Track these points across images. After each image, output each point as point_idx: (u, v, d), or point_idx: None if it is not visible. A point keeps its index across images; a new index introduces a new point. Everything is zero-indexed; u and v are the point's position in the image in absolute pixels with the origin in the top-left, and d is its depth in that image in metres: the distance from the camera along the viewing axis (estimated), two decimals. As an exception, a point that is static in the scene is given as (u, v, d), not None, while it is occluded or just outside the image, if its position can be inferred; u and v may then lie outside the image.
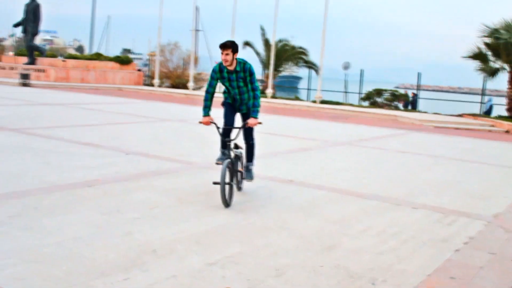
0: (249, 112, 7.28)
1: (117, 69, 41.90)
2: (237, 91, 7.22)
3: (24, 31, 39.72)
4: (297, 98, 34.79)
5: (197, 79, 39.79)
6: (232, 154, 7.28)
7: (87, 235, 5.49)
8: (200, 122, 7.12)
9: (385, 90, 31.89)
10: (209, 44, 79.54)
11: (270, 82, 33.87)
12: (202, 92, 35.27)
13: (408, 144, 14.96)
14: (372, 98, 31.58)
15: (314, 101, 30.73)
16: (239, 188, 7.79)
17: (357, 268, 5.03)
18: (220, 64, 7.04)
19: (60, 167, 8.73)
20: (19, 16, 40.21)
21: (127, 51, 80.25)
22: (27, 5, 39.43)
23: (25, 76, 32.31)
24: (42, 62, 39.69)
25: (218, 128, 7.12)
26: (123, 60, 43.62)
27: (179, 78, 40.25)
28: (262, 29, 39.77)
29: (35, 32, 39.84)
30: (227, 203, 6.82)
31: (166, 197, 7.23)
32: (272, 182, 8.63)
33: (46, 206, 6.44)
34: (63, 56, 49.56)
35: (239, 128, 7.20)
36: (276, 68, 36.71)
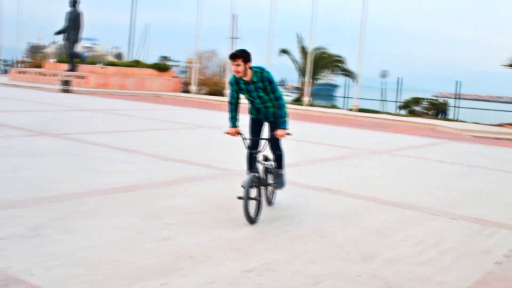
0: (277, 121, 6.80)
1: (155, 76, 42.41)
2: (259, 101, 6.72)
3: (66, 39, 40.54)
4: (333, 106, 34.69)
5: (234, 86, 39.91)
6: (261, 167, 6.96)
7: (126, 239, 5.56)
8: (227, 133, 6.70)
9: (423, 99, 31.54)
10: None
11: (307, 90, 33.83)
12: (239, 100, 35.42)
13: (446, 154, 14.74)
14: (410, 106, 31.29)
15: (351, 109, 30.56)
16: (270, 203, 7.36)
17: (395, 278, 4.96)
18: (235, 76, 6.53)
19: (99, 172, 8.86)
20: (61, 24, 41.07)
21: (165, 58, 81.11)
22: (69, 14, 40.25)
23: (66, 83, 32.94)
24: (82, 69, 40.44)
25: (244, 139, 6.73)
26: (161, 67, 44.13)
27: (216, 85, 40.51)
28: (299, 36, 39.87)
29: (76, 40, 40.64)
30: (251, 220, 6.34)
31: (203, 203, 7.26)
32: (309, 190, 8.60)
33: (86, 211, 6.54)
34: (102, 63, 50.36)
35: (266, 139, 6.78)
36: (313, 76, 36.62)
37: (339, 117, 27.28)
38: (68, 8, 40.88)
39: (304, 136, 16.36)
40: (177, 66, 73.21)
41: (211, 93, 39.32)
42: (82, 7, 41.33)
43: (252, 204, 6.44)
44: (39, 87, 35.31)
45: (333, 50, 40.84)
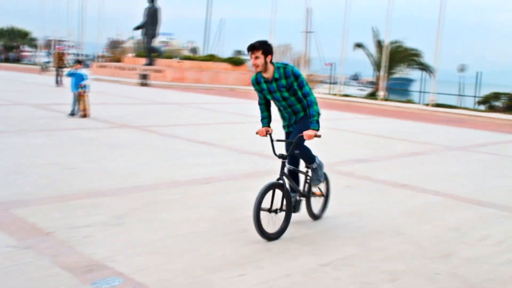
0: (308, 120, 5.80)
1: (229, 70, 42.90)
2: (284, 104, 5.87)
3: (144, 34, 41.63)
4: (409, 101, 34.01)
5: (308, 80, 39.84)
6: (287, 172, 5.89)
7: (203, 230, 5.69)
8: (257, 133, 5.98)
9: (504, 94, 30.42)
10: (321, 45, 79.38)
11: (382, 84, 33.32)
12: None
13: (529, 151, 14.20)
14: (490, 102, 30.26)
15: (427, 104, 29.89)
16: (314, 216, 6.35)
17: (476, 278, 4.85)
18: (257, 75, 5.77)
19: (177, 164, 9.10)
20: (139, 20, 42.19)
21: (239, 52, 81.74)
22: (147, 9, 41.28)
23: (144, 77, 33.86)
24: (159, 63, 41.43)
25: (272, 141, 5.90)
26: (236, 61, 44.60)
27: (290, 79, 40.41)
28: (374, 30, 39.31)
29: (154, 35, 41.69)
30: (265, 235, 5.43)
31: (279, 197, 7.33)
32: (385, 186, 8.51)
33: (165, 201, 6.74)
34: (178, 57, 51.40)
35: (293, 142, 5.76)
36: (388, 70, 36.03)
37: (415, 112, 26.74)
38: (146, 4, 41.93)
39: (379, 131, 16.16)
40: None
41: (284, 87, 39.24)
42: (159, 2, 42.28)
43: (274, 216, 5.68)
44: (118, 80, 36.46)
45: (409, 43, 40.09)
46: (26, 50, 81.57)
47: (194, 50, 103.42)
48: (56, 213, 5.95)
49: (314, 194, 6.31)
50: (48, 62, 52.55)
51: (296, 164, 6.17)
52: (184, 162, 9.28)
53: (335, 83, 41.15)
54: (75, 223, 5.64)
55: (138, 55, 47.21)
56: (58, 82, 28.78)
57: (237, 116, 18.71)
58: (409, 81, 73.66)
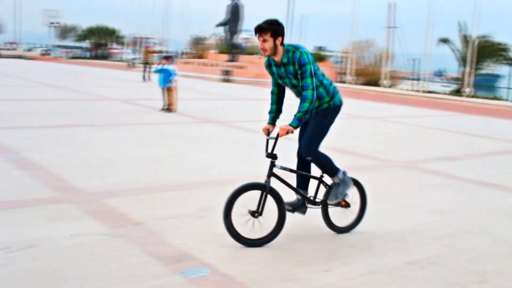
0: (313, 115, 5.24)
1: (310, 66, 42.73)
2: (295, 91, 5.29)
3: (228, 30, 42.19)
4: (497, 98, 32.75)
5: (391, 76, 39.17)
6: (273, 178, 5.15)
7: (288, 224, 5.69)
8: (262, 130, 5.40)
9: None
10: (404, 41, 77.86)
11: (468, 80, 32.27)
12: (396, 90, 34.70)
13: None
14: None
15: (517, 101, 28.69)
16: (336, 228, 5.57)
17: None
18: (269, 57, 5.22)
19: (261, 160, 9.18)
20: (221, 16, 42.78)
21: (320, 48, 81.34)
22: (230, 6, 41.79)
23: (226, 73, 34.40)
24: (242, 59, 41.84)
25: (268, 139, 5.25)
26: (318, 57, 44.40)
27: (372, 75, 39.95)
28: (461, 24, 38.06)
29: (236, 31, 42.18)
30: (241, 240, 4.98)
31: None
32: (471, 185, 8.26)
33: (249, 195, 6.83)
34: (260, 53, 51.75)
35: (273, 138, 5.17)
36: (475, 66, 34.84)
37: (503, 109, 25.73)
38: (229, 1, 42.45)
39: (465, 129, 15.69)
40: (332, 56, 73.11)
41: (367, 83, 38.84)
42: (241, -1, 42.70)
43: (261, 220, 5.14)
44: (201, 76, 37.18)
45: (497, 38, 38.58)
46: (114, 48, 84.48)
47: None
48: (144, 204, 6.17)
49: (334, 204, 5.51)
50: (134, 58, 54.21)
51: (306, 168, 5.53)
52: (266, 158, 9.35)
53: (418, 79, 40.21)
54: (163, 214, 5.83)
55: (221, 52, 47.93)
56: (145, 78, 29.85)
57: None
58: (496, 77, 70.93)
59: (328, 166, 5.33)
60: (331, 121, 5.31)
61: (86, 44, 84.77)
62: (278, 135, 4.99)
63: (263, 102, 20.96)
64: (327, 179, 5.51)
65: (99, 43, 79.99)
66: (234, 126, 13.30)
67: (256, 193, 5.07)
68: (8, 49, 77.65)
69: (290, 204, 5.38)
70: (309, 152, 5.22)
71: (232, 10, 41.77)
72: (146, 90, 24.14)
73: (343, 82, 39.60)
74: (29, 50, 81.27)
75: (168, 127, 12.39)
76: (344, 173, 5.42)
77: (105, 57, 76.70)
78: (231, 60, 41.05)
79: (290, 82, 5.17)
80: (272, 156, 5.11)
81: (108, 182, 7.08)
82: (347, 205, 5.62)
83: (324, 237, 5.40)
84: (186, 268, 4.41)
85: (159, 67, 15.89)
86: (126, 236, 5.08)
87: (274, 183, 5.12)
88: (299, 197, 5.42)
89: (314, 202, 5.43)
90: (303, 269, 4.55)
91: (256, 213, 5.04)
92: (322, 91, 5.15)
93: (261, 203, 5.05)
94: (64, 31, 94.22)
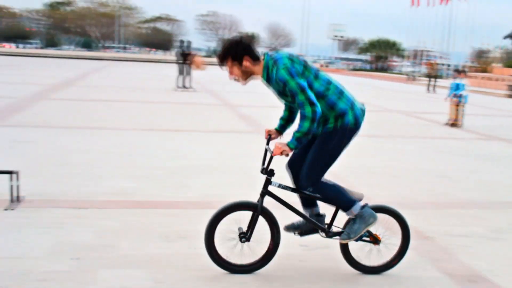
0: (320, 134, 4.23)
1: None
2: (293, 108, 4.44)
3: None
4: None
5: None
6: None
7: None
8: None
9: None
10: None
11: None
12: None
13: None
14: None
15: None
16: (359, 267, 4.52)
17: None
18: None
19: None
20: (508, 28, 40.08)
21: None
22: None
23: (513, 88, 32.15)
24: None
25: (266, 149, 4.39)
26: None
27: None
28: None
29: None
30: (223, 265, 4.33)
31: None
32: None
33: None
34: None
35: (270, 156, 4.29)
36: None
37: None
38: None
39: None
40: None
41: None
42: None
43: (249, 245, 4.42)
44: (484, 91, 35.32)
45: None
46: (394, 60, 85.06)
47: None
48: (433, 219, 6.11)
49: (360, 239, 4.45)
50: (414, 71, 53.78)
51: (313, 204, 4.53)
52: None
53: None
54: (452, 231, 5.70)
55: (507, 65, 44.99)
56: (429, 90, 30.15)
57: None
58: None
59: (337, 201, 4.31)
60: (339, 147, 4.19)
61: (366, 56, 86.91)
62: (270, 158, 4.26)
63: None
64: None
65: (379, 55, 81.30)
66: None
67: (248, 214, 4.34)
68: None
69: (296, 226, 4.53)
70: (309, 183, 4.20)
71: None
72: (428, 103, 23.80)
73: None
74: (314, 61, 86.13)
75: (451, 142, 12.04)
76: (364, 206, 4.34)
77: (384, 69, 77.68)
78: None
79: (285, 100, 4.27)
80: (267, 172, 4.27)
81: (394, 194, 7.16)
82: (375, 241, 4.53)
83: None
84: (479, 290, 4.27)
85: (455, 81, 15.56)
86: (417, 249, 5.08)
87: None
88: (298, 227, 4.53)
89: (326, 232, 4.43)
90: None
91: (244, 237, 4.30)
92: (324, 108, 4.11)
93: (251, 226, 4.30)
94: (346, 44, 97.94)
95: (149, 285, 4.05)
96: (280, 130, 4.48)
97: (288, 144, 4.00)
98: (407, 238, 4.52)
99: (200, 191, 6.75)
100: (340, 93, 4.12)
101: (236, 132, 11.90)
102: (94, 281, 4.06)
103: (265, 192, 4.27)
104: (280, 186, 4.28)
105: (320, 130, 4.16)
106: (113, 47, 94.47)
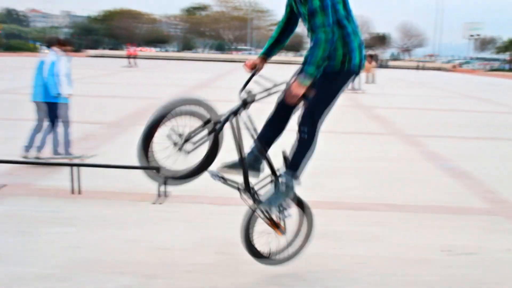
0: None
1: None
2: (307, 27, 3.69)
3: None
4: None
5: None
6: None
7: None
8: (244, 65, 3.96)
9: None
10: None
11: None
12: None
13: None
14: None
15: None
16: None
17: None
18: None
19: None
20: None
21: None
22: None
23: None
24: None
25: (251, 76, 3.87)
26: None
27: None
28: None
29: None
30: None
31: None
32: None
33: None
34: None
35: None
36: None
37: None
38: None
39: None
40: None
41: None
42: None
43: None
44: None
45: None
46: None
47: None
48: None
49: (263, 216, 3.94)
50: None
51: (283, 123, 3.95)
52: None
53: None
54: None
55: None
56: None
57: None
58: None
59: (302, 157, 3.76)
60: (341, 90, 3.74)
61: (505, 56, 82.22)
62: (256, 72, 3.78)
63: None
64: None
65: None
66: None
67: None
68: (427, 61, 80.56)
69: (232, 165, 3.90)
70: (310, 122, 3.69)
71: None
72: None
73: None
74: (448, 62, 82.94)
75: None
76: (298, 181, 3.82)
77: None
78: None
79: (304, 15, 3.67)
80: (248, 100, 3.71)
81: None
82: (277, 226, 4.01)
83: None
84: None
85: None
86: None
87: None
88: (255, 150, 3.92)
89: (248, 188, 3.86)
90: None
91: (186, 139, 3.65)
92: (338, 41, 3.61)
93: (195, 132, 3.67)
94: (483, 43, 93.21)
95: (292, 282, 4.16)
96: (266, 53, 4.00)
97: (298, 81, 3.53)
98: (308, 237, 4.24)
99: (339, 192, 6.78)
100: (355, 30, 3.67)
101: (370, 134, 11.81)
102: (236, 275, 4.23)
103: (234, 112, 3.73)
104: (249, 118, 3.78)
105: (324, 64, 3.61)
106: (244, 49, 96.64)
